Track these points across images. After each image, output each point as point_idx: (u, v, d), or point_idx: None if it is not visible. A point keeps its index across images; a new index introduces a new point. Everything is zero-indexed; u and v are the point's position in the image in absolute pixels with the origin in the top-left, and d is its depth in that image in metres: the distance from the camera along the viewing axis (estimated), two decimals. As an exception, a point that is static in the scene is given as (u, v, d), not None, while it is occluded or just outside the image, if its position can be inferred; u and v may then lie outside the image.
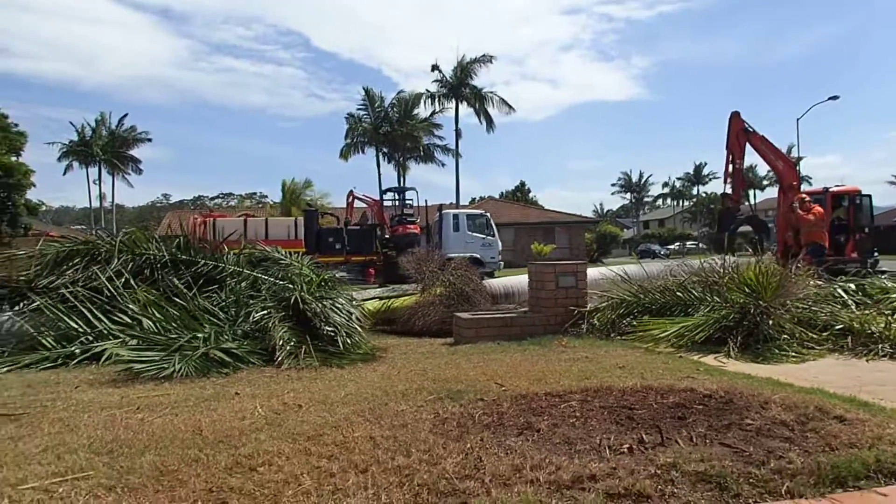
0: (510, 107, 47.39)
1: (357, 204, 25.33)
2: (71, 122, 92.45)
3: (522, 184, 74.49)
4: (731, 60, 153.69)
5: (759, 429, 3.66)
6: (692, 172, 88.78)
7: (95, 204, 60.56)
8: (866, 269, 13.15)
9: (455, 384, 5.12)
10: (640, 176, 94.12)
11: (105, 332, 7.04)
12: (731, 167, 17.69)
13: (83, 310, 7.20)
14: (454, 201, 46.37)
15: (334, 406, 4.57)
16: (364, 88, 49.72)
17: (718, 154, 17.77)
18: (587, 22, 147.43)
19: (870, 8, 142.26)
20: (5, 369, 6.39)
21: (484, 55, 45.91)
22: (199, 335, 6.57)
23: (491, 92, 46.49)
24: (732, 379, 5.17)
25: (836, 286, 8.85)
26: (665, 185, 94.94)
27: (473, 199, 61.29)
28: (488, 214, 25.13)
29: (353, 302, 8.24)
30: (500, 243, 24.44)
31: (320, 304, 7.26)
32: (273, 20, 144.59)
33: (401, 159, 48.92)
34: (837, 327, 6.98)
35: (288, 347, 6.55)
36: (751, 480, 2.95)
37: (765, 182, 67.97)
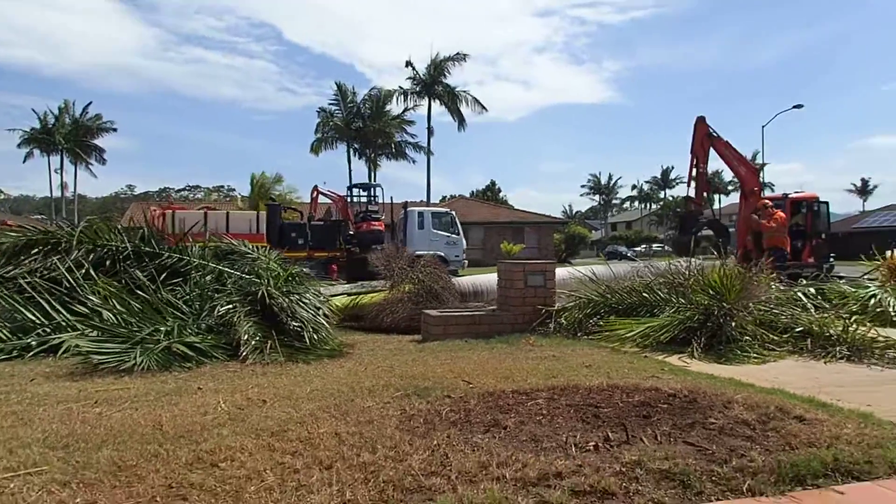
0: (483, 106, 47.57)
1: (322, 199, 25.08)
2: (33, 110, 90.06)
3: (493, 183, 74.92)
4: (701, 67, 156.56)
5: (722, 428, 3.72)
6: (660, 176, 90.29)
7: (56, 193, 59.09)
8: (822, 274, 13.48)
9: (422, 381, 5.09)
10: (610, 178, 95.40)
11: (63, 323, 6.86)
12: (695, 171, 17.97)
13: (41, 301, 7.00)
14: (425, 199, 46.36)
15: (299, 402, 4.51)
16: (336, 83, 49.20)
17: (686, 158, 18.03)
18: (560, 24, 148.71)
19: (838, 20, 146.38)
20: (-43, 361, 6.17)
21: (458, 53, 46.00)
22: (162, 328, 6.43)
23: (464, 91, 46.59)
24: (696, 379, 5.24)
25: (796, 290, 9.07)
26: (634, 187, 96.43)
27: (444, 198, 61.37)
28: (454, 213, 25.16)
29: (321, 298, 8.16)
30: (464, 242, 24.48)
31: (287, 299, 7.17)
32: (245, 12, 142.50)
33: (372, 155, 48.73)
34: (797, 330, 7.13)
35: (253, 342, 6.45)
36: (713, 478, 2.99)
37: (730, 187, 69.34)
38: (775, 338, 6.99)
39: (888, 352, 6.44)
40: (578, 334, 7.82)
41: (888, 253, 12.64)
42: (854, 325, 7.05)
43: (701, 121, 17.53)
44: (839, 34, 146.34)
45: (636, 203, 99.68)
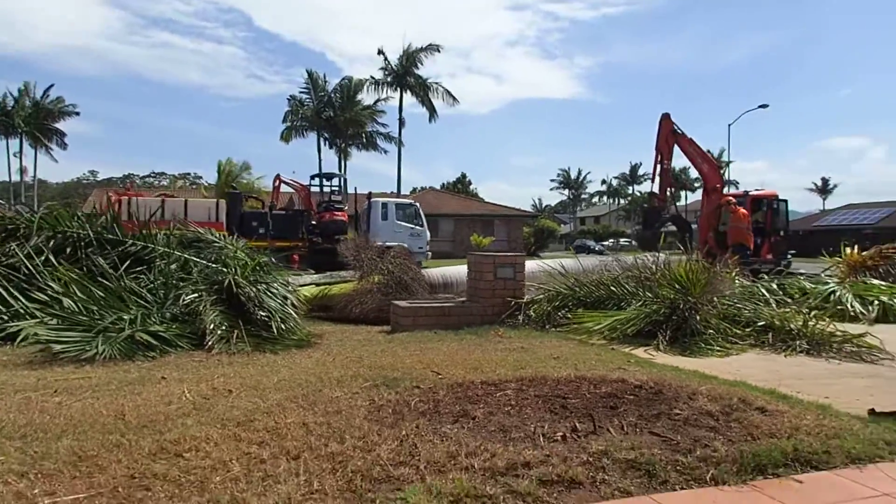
0: (454, 98, 47.47)
1: (285, 189, 24.75)
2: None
3: (464, 175, 75.02)
4: (671, 65, 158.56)
5: (687, 419, 3.78)
6: (628, 172, 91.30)
7: (15, 178, 57.31)
8: (783, 270, 13.82)
9: (391, 372, 5.08)
10: (579, 173, 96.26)
11: (22, 311, 6.68)
12: (659, 167, 18.22)
13: (-2, 287, 6.79)
14: (396, 190, 46.20)
15: (266, 392, 4.46)
16: (307, 71, 48.63)
17: (653, 155, 18.25)
18: (533, 19, 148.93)
19: (803, 24, 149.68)
20: None
21: (430, 45, 45.81)
22: (125, 317, 6.30)
23: (436, 82, 46.46)
24: (661, 371, 5.32)
25: (759, 285, 9.27)
26: (604, 182, 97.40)
27: (415, 189, 61.21)
28: (418, 205, 25.11)
29: (289, 287, 8.07)
30: (428, 234, 24.44)
31: (254, 289, 7.08)
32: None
33: (343, 145, 48.31)
34: (760, 324, 7.29)
35: (219, 332, 6.35)
36: (678, 468, 3.04)
37: (696, 184, 70.50)
38: (738, 331, 7.14)
39: (846, 346, 6.62)
40: (547, 326, 7.88)
41: (847, 250, 13.01)
42: (814, 320, 7.23)
43: (666, 117, 17.75)
44: (803, 38, 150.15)
45: (605, 198, 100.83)
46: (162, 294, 7.16)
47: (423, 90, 45.93)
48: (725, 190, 20.12)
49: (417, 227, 23.63)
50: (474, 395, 4.33)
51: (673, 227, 20.01)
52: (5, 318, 6.60)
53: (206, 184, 55.19)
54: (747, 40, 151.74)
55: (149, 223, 8.59)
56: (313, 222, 22.30)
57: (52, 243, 7.63)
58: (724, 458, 3.14)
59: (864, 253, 12.77)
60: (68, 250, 7.70)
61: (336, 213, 22.23)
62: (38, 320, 6.38)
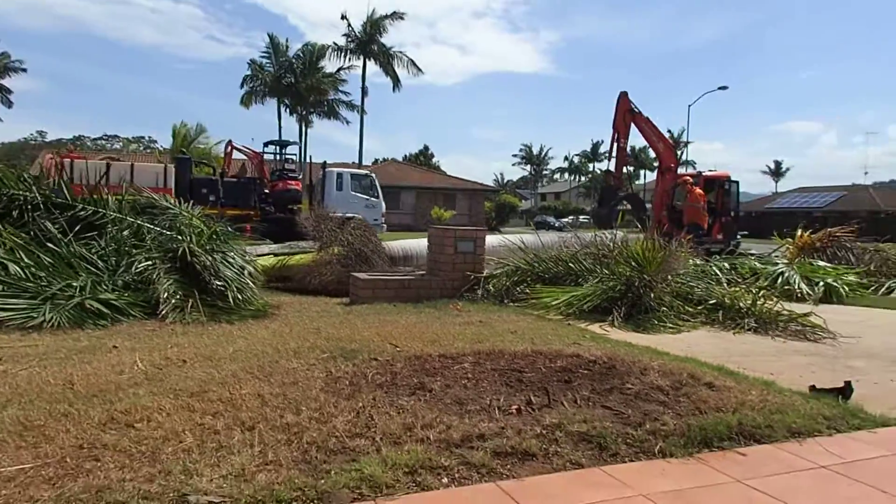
0: (419, 68, 46.86)
1: (237, 156, 24.13)
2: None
3: (426, 148, 74.73)
4: (635, 42, 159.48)
5: (638, 393, 3.88)
6: (590, 150, 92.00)
7: (-44, 136, 54.66)
8: (733, 251, 14.18)
9: (349, 343, 5.07)
10: (541, 149, 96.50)
11: (-37, 276, 6.40)
12: (616, 146, 18.40)
13: (-63, 250, 6.50)
14: (357, 160, 45.68)
15: (221, 362, 4.40)
16: (269, 35, 47.57)
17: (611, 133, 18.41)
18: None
19: (765, 6, 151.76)
20: None
21: (395, 12, 45.03)
22: (75, 284, 6.11)
23: (400, 52, 45.78)
24: (615, 346, 5.44)
25: (712, 264, 9.51)
26: (566, 159, 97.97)
27: (377, 160, 60.68)
28: (374, 175, 24.91)
29: (247, 257, 7.94)
30: (384, 205, 24.30)
31: (210, 258, 6.94)
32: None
33: (304, 113, 47.40)
34: (711, 302, 7.49)
35: (173, 301, 6.23)
36: (628, 441, 3.13)
37: (655, 163, 71.53)
38: (690, 309, 7.33)
39: (791, 325, 6.87)
40: (505, 301, 7.96)
41: (798, 233, 13.41)
42: (762, 300, 7.46)
43: (623, 96, 17.87)
44: (766, 20, 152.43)
45: (566, 175, 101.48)
46: (114, 261, 6.96)
47: (386, 59, 45.24)
48: (682, 170, 20.47)
49: (373, 199, 23.46)
50: (431, 367, 4.36)
51: (628, 206, 20.31)
52: (-54, 282, 6.33)
53: (160, 148, 53.66)
54: (712, 20, 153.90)
55: (98, 187, 8.31)
56: (266, 191, 21.86)
57: (-4, 206, 7.32)
58: (673, 431, 3.24)
59: (812, 235, 13.19)
60: (14, 214, 7.39)
61: (290, 181, 21.80)
62: (-19, 286, 6.14)
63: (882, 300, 9.84)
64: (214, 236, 7.64)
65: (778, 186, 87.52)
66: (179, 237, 7.26)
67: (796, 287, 9.33)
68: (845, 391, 4.05)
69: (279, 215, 20.23)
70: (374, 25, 44.44)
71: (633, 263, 7.72)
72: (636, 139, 19.21)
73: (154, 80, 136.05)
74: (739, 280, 9.22)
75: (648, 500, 2.58)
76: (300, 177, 22.84)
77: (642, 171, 71.37)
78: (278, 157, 23.62)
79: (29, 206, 7.48)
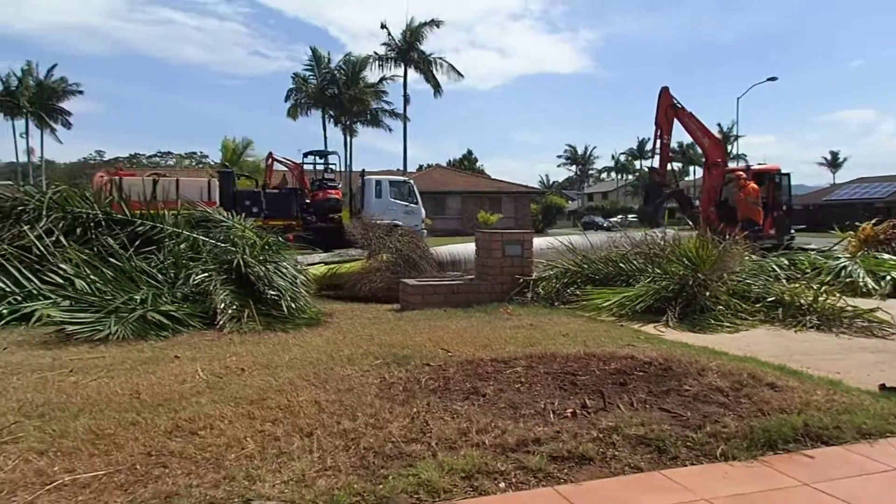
0: (459, 73, 47.06)
1: (278, 167, 24.56)
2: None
3: (470, 152, 74.63)
4: (678, 36, 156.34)
5: (696, 395, 3.79)
6: (636, 147, 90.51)
7: (23, 158, 57.34)
8: (787, 246, 13.71)
9: (401, 349, 5.11)
10: (586, 149, 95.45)
11: (35, 292, 6.73)
12: (658, 142, 18.01)
13: (10, 268, 6.85)
14: (402, 167, 46.06)
15: (278, 370, 4.50)
16: (311, 48, 48.32)
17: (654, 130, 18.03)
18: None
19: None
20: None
21: (433, 20, 45.28)
22: (136, 297, 6.34)
23: (440, 57, 46.02)
24: (671, 347, 5.33)
25: (769, 261, 9.22)
26: (612, 158, 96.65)
27: (421, 167, 61.05)
28: (412, 182, 25.02)
29: (298, 266, 8.10)
30: (423, 211, 24.39)
31: (264, 268, 7.10)
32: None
33: (348, 123, 48.09)
34: (769, 299, 7.27)
35: (230, 311, 6.39)
36: (688, 444, 3.06)
37: (703, 159, 69.86)
38: (748, 307, 7.12)
39: (857, 321, 6.60)
40: (555, 304, 7.89)
41: (863, 225, 12.89)
42: (824, 295, 7.20)
43: (665, 91, 17.48)
44: (807, 9, 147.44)
45: (613, 174, 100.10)
46: (172, 274, 7.20)
47: (426, 66, 45.54)
48: (733, 164, 19.91)
49: (412, 205, 23.59)
50: (484, 372, 4.36)
51: (675, 203, 19.83)
52: (19, 298, 6.66)
53: (212, 162, 55.17)
54: (755, 11, 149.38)
55: (156, 203, 8.62)
56: (307, 201, 22.21)
57: (61, 224, 7.66)
58: (735, 433, 3.16)
59: (876, 227, 12.65)
60: (78, 231, 7.74)
61: (329, 190, 22.11)
62: (51, 301, 6.45)
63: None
64: (266, 247, 7.82)
65: (836, 178, 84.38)
66: (233, 249, 7.46)
67: (860, 281, 8.97)
68: (918, 389, 3.88)
69: (320, 224, 20.55)
70: (414, 33, 44.81)
71: (686, 262, 7.56)
72: (685, 135, 18.71)
73: (203, 96, 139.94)
74: (799, 276, 8.91)
75: (712, 505, 2.52)
76: (339, 186, 23.14)
77: (691, 168, 69.78)
78: (322, 166, 23.99)
79: (91, 224, 7.82)
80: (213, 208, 9.17)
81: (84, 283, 6.56)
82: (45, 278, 6.82)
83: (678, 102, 17.40)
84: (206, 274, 6.97)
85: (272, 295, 6.92)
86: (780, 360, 4.83)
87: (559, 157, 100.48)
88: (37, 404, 3.62)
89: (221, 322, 6.23)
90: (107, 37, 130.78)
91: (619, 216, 65.44)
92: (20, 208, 7.78)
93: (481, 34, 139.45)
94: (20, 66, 55.55)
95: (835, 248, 12.84)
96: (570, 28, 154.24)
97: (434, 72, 45.66)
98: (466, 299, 8.02)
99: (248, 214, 19.53)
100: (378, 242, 10.24)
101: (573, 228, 48.34)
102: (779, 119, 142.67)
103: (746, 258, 8.84)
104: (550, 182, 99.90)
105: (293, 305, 6.90)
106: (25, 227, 7.43)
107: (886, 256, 10.65)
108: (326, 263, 10.58)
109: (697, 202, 19.66)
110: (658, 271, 7.87)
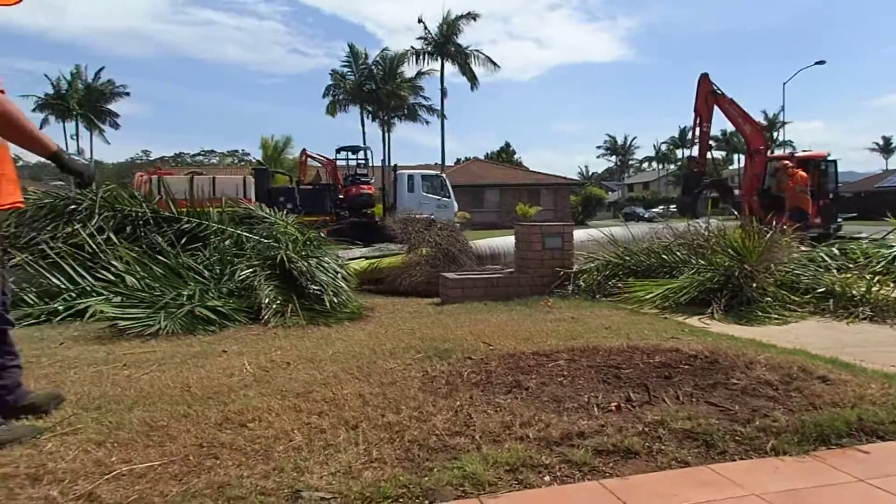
0: (495, 64, 47.03)
1: (312, 163, 24.77)
2: (46, 75, 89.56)
3: (507, 145, 74.45)
4: (718, 22, 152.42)
5: (744, 388, 3.72)
6: (677, 136, 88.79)
7: (74, 159, 59.31)
8: (832, 235, 13.28)
9: (443, 343, 5.13)
10: (626, 139, 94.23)
11: (88, 288, 6.96)
12: (698, 130, 17.61)
13: (65, 266, 7.10)
14: (440, 161, 46.16)
15: (322, 364, 4.57)
16: (349, 45, 49.19)
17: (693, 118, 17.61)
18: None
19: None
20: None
21: (469, 12, 45.21)
22: (184, 293, 6.51)
23: (476, 50, 45.92)
24: (717, 340, 5.23)
25: (819, 250, 8.96)
26: (653, 147, 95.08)
27: (458, 160, 61.07)
28: (444, 176, 25.11)
29: (339, 261, 8.20)
30: (455, 205, 24.43)
31: (306, 263, 7.21)
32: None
33: (385, 118, 48.39)
34: (819, 290, 7.06)
35: (274, 306, 6.51)
36: (736, 438, 3.01)
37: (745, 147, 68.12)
38: (796, 299, 6.94)
39: (912, 312, 6.38)
40: (597, 296, 7.82)
41: None
42: (877, 286, 6.97)
43: (704, 77, 17.06)
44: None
45: (654, 164, 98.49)
46: (218, 270, 7.36)
47: (463, 58, 45.56)
48: (780, 151, 19.40)
49: (444, 199, 23.65)
50: (526, 365, 4.35)
51: (715, 193, 19.37)
52: (73, 295, 6.91)
53: (253, 160, 56.17)
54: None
55: (202, 201, 8.82)
56: (340, 196, 22.38)
57: (112, 223, 7.91)
58: (785, 427, 3.09)
59: (932, 214, 12.14)
60: (128, 229, 7.98)
61: (362, 186, 22.23)
62: (103, 297, 6.67)
63: None
64: (308, 242, 7.94)
65: (888, 164, 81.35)
66: (276, 245, 7.58)
67: (916, 271, 8.63)
68: (980, 383, 3.73)
69: (354, 219, 20.73)
70: (450, 26, 44.83)
71: (731, 253, 7.40)
72: (727, 123, 18.28)
73: (243, 95, 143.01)
74: (851, 266, 8.62)
75: (762, 500, 2.47)
76: (372, 181, 23.29)
77: (734, 155, 68.16)
78: (354, 161, 24.13)
79: (140, 222, 8.05)
80: (255, 205, 9.32)
81: (134, 280, 6.77)
82: (98, 275, 7.05)
83: (718, 89, 17.00)
84: (250, 270, 7.11)
85: (315, 290, 7.02)
86: (831, 353, 4.70)
87: (598, 147, 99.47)
88: (93, 397, 3.76)
89: (266, 317, 6.35)
90: (150, 39, 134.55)
91: (661, 207, 64.34)
92: (72, 207, 8.06)
93: (518, 25, 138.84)
94: (69, 70, 57.44)
95: (889, 236, 12.38)
96: (608, 16, 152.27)
97: (471, 64, 45.64)
98: (506, 292, 8.01)
99: (284, 211, 19.87)
100: (417, 237, 10.30)
101: (614, 220, 47.70)
102: (827, 105, 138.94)
103: (795, 248, 8.60)
104: (590, 173, 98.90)
105: (335, 300, 6.99)
106: (78, 226, 7.69)
107: (944, 244, 10.22)
108: (367, 258, 10.70)
109: (738, 191, 19.22)
110: (702, 262, 7.73)
